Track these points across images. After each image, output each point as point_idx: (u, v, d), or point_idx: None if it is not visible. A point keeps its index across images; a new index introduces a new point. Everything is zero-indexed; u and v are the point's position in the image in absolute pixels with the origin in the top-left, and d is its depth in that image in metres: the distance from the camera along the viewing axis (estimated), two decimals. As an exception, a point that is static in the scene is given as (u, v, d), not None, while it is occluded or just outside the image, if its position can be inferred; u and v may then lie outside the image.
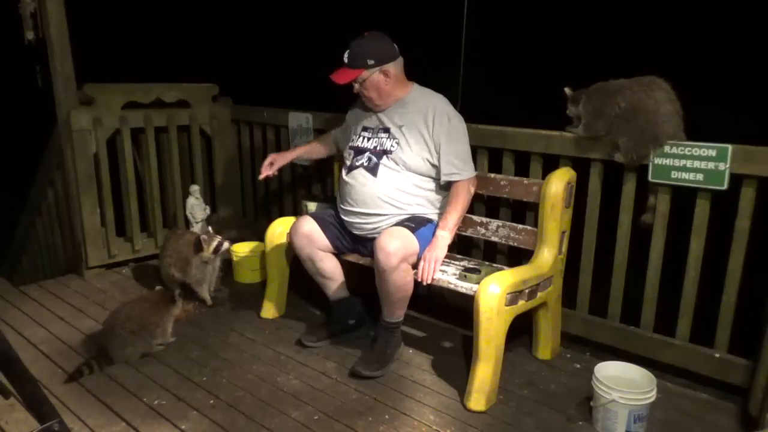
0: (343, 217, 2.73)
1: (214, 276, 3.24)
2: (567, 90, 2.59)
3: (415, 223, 2.54)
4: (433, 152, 2.55)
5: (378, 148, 2.62)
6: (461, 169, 2.54)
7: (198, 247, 3.08)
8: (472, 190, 2.60)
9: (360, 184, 2.61)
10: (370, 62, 2.52)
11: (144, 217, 3.89)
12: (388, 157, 2.58)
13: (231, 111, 4.10)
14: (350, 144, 2.75)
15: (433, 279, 2.44)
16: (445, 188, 2.63)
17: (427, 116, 2.55)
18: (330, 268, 2.79)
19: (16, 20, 3.30)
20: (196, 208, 3.86)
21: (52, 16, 3.28)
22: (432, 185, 2.63)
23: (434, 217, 2.65)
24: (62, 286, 3.54)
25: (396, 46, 2.61)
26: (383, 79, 2.55)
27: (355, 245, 2.75)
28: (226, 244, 3.12)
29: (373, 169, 2.59)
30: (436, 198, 2.66)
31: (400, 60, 2.61)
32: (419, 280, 2.46)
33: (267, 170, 2.94)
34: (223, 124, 4.09)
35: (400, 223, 2.54)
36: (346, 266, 2.85)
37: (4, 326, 2.96)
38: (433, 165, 2.58)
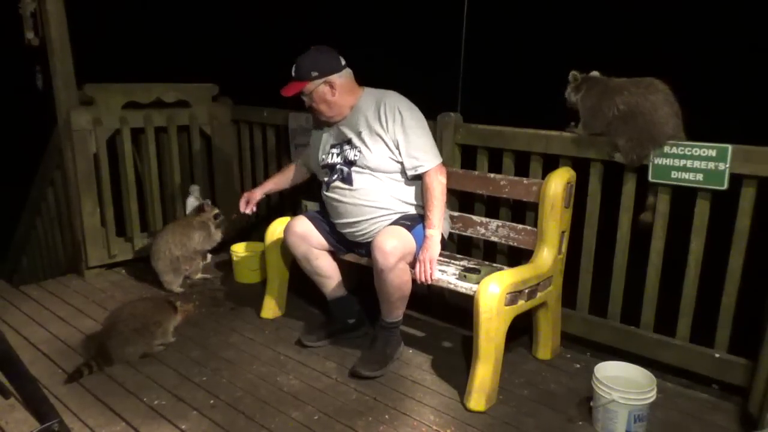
0: (337, 228, 2.75)
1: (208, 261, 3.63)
2: (575, 73, 2.53)
3: (410, 221, 2.54)
4: (394, 149, 2.54)
5: (347, 159, 2.63)
6: (424, 160, 2.51)
7: (200, 209, 3.50)
8: (442, 179, 2.53)
9: (341, 196, 2.63)
10: (314, 74, 2.55)
11: (144, 217, 3.89)
12: (356, 165, 2.59)
13: (231, 111, 4.10)
14: (322, 163, 2.75)
15: (432, 279, 2.44)
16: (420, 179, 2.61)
17: (379, 115, 2.55)
18: (326, 267, 2.80)
19: (17, 20, 3.30)
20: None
21: (52, 16, 3.28)
22: (406, 178, 2.61)
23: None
24: (62, 286, 3.54)
25: (342, 59, 2.63)
26: (329, 90, 2.57)
27: (351, 246, 2.76)
28: (222, 218, 3.51)
29: (347, 179, 2.61)
30: (419, 191, 2.62)
31: (346, 71, 2.62)
32: (417, 281, 2.46)
33: (245, 208, 2.95)
34: (223, 124, 4.09)
35: (395, 222, 2.54)
36: (346, 266, 2.85)
37: (4, 326, 2.96)
38: (398, 162, 2.57)
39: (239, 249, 3.60)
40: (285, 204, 3.93)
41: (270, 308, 3.10)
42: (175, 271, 3.43)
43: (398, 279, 2.43)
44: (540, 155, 2.71)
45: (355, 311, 2.88)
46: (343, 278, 2.85)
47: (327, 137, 2.76)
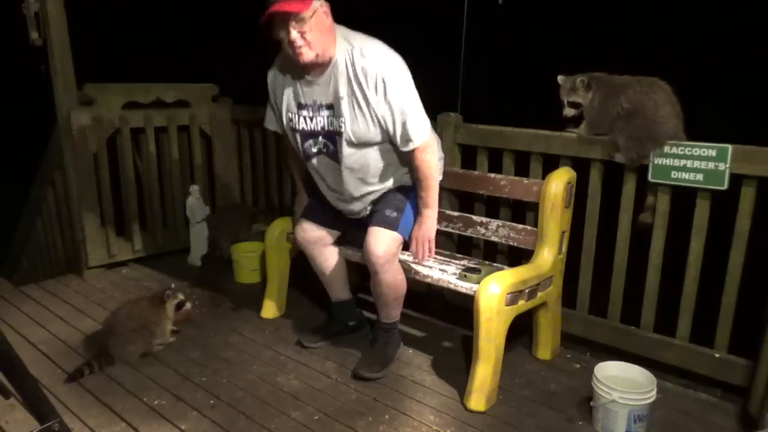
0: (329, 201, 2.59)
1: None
2: (582, 78, 2.47)
3: (403, 198, 2.42)
4: (383, 122, 2.25)
5: (327, 129, 2.30)
6: (414, 134, 2.25)
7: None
8: (431, 156, 2.33)
9: (329, 170, 2.39)
10: None
11: (144, 217, 3.89)
12: (341, 137, 2.27)
13: (231, 111, 4.10)
14: (291, 126, 2.38)
15: (431, 256, 2.40)
16: None
17: (360, 83, 2.20)
18: (336, 269, 2.76)
19: (21, 20, 3.30)
20: (196, 208, 3.86)
21: (53, 17, 3.28)
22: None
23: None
24: (62, 286, 3.54)
25: None
26: (324, 17, 2.15)
27: (353, 223, 2.63)
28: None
29: (334, 156, 2.33)
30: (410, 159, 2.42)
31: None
32: (416, 261, 2.45)
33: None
34: (223, 124, 4.09)
35: (386, 202, 2.42)
36: (351, 267, 2.85)
37: (4, 326, 2.95)
38: (389, 133, 2.29)
39: (239, 249, 3.60)
40: (285, 204, 3.93)
41: (270, 308, 3.10)
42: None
43: (393, 278, 2.44)
44: (540, 155, 2.71)
45: (357, 313, 2.87)
46: (348, 281, 2.83)
47: (291, 92, 2.36)
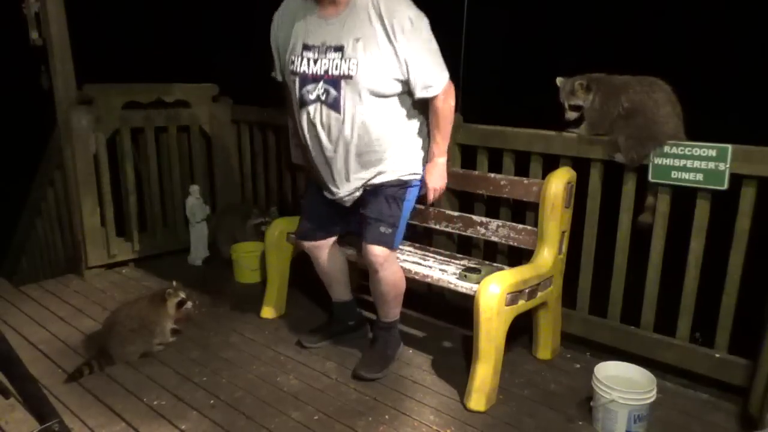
0: (317, 184, 2.44)
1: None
2: (581, 81, 2.48)
3: (393, 221, 2.34)
4: (403, 67, 2.14)
5: (332, 73, 2.12)
6: (435, 79, 2.20)
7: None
8: (452, 101, 2.28)
9: (325, 124, 2.19)
10: None
11: (144, 217, 3.89)
12: (347, 83, 2.11)
13: (231, 111, 4.10)
14: (291, 69, 2.23)
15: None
16: (418, 105, 2.32)
17: (384, 22, 2.10)
18: (338, 270, 2.73)
19: (22, 20, 3.30)
20: (196, 208, 3.86)
21: (53, 17, 3.28)
22: (406, 106, 2.27)
23: (416, 162, 2.39)
24: (62, 286, 3.54)
25: None
26: None
27: (349, 218, 2.55)
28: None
29: (335, 104, 2.14)
30: (413, 124, 2.32)
31: None
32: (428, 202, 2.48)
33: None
34: (223, 124, 4.09)
35: (378, 227, 2.33)
36: (352, 267, 2.85)
37: (4, 326, 2.95)
38: (403, 82, 2.18)
39: (239, 249, 3.60)
40: (285, 204, 3.93)
41: (270, 308, 3.10)
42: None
43: (392, 276, 2.44)
44: (540, 155, 2.71)
45: (357, 313, 2.87)
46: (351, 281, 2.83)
47: (298, 33, 2.23)
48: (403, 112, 2.29)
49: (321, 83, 2.17)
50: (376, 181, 2.35)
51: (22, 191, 4.26)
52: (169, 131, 3.86)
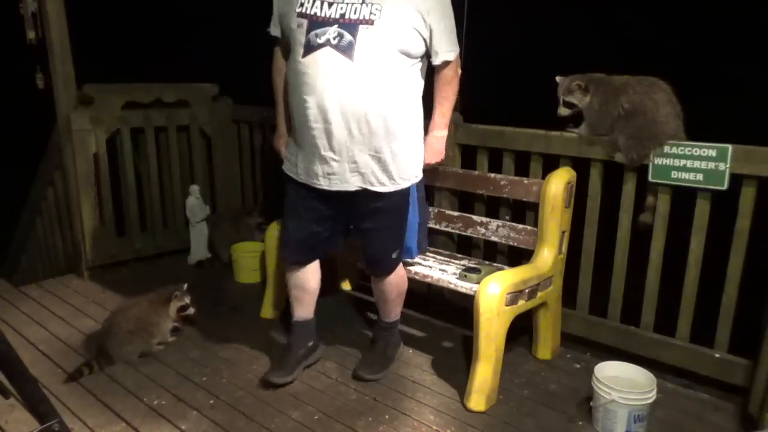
0: (300, 165, 2.16)
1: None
2: (578, 82, 2.46)
3: (397, 244, 2.32)
4: (427, 25, 2.00)
5: (349, 17, 1.91)
6: (452, 46, 2.11)
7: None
8: (459, 69, 2.25)
9: (330, 70, 1.91)
10: None
11: (144, 216, 3.89)
12: (367, 29, 1.89)
13: (231, 111, 4.10)
14: (301, 11, 1.98)
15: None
16: (423, 72, 2.20)
17: None
18: (313, 289, 2.52)
19: (18, 20, 3.29)
20: (196, 208, 3.86)
21: (52, 17, 3.28)
22: (417, 69, 2.12)
23: (417, 165, 2.26)
24: (62, 286, 3.54)
25: None
26: None
27: (336, 213, 2.30)
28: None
29: (347, 49, 1.89)
30: (416, 93, 2.17)
31: None
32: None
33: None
34: (223, 124, 4.09)
35: (390, 255, 2.30)
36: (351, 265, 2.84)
37: (4, 326, 2.95)
38: (423, 39, 2.03)
39: (239, 249, 3.60)
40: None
41: (270, 308, 3.10)
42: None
43: (395, 276, 2.43)
44: (540, 155, 2.71)
45: (315, 333, 2.62)
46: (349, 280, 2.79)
47: None
48: (413, 74, 2.10)
49: (335, 27, 1.92)
50: (376, 187, 2.16)
51: (22, 191, 4.25)
52: (169, 131, 3.86)
